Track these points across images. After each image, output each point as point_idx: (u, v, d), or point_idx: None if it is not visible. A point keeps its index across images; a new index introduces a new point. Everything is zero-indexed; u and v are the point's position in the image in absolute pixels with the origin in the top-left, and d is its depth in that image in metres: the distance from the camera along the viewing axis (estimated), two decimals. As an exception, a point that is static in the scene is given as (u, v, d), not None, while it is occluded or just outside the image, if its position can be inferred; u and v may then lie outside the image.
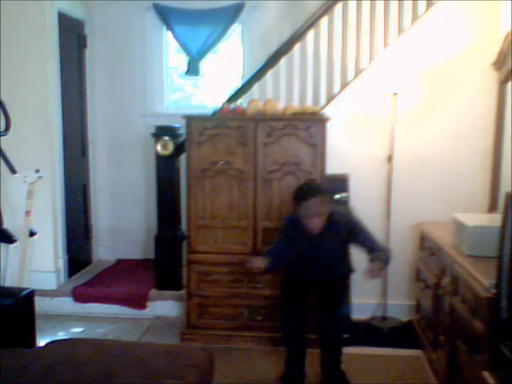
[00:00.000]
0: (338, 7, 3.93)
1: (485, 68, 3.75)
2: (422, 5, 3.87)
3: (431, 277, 3.30)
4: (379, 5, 3.89)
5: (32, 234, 3.42)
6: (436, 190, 3.97)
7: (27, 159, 3.93)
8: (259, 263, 2.92)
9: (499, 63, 3.60)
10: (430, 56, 3.84)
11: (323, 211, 2.84)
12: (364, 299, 4.02)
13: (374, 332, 3.89)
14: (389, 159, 3.89)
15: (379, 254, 2.84)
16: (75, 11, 4.68)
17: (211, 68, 5.04)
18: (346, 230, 2.95)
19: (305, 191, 2.88)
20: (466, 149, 3.90)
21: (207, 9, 4.69)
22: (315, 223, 2.84)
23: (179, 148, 4.05)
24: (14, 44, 4.13)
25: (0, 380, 1.99)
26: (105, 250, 5.18)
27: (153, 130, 4.17)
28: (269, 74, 4.06)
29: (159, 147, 4.10)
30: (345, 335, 3.47)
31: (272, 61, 4.00)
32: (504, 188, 3.08)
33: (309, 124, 3.45)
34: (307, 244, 2.94)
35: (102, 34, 4.94)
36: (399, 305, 4.04)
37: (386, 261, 2.86)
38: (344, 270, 3.14)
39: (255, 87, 4.07)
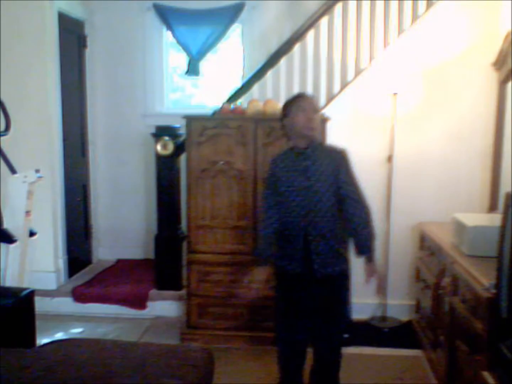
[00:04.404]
0: (338, 7, 3.93)
1: (485, 68, 3.75)
2: (422, 5, 3.87)
3: (431, 277, 3.30)
4: (379, 5, 3.90)
5: (32, 234, 3.41)
6: (436, 190, 3.97)
7: (27, 159, 3.94)
8: (262, 273, 2.69)
9: (499, 63, 3.60)
10: (430, 56, 3.84)
11: (317, 108, 2.67)
12: (364, 299, 4.02)
13: (374, 332, 3.89)
14: (389, 159, 3.89)
15: (359, 242, 2.58)
16: (75, 11, 4.68)
17: (211, 68, 5.04)
18: (335, 161, 2.60)
19: (295, 95, 2.75)
20: (466, 149, 3.90)
21: (207, 9, 4.69)
22: (313, 121, 2.57)
23: (179, 148, 4.05)
24: (14, 44, 4.13)
25: (0, 380, 1.99)
26: (105, 250, 5.18)
27: (153, 130, 4.17)
28: (269, 74, 4.06)
29: (159, 147, 4.10)
30: (345, 335, 3.47)
31: (272, 61, 4.00)
32: (504, 188, 3.08)
33: (309, 124, 3.44)
34: (294, 176, 2.58)
35: (102, 34, 4.95)
36: (399, 305, 4.04)
37: (369, 246, 2.58)
38: (338, 253, 2.65)
39: (255, 87, 4.07)
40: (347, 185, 2.58)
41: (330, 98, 3.96)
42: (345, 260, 2.72)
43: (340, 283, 2.71)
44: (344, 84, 3.97)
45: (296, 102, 2.63)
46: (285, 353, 2.75)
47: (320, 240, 2.58)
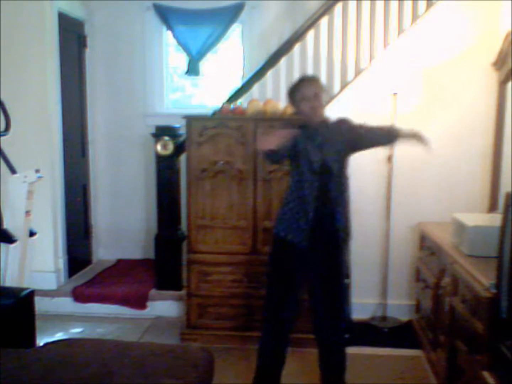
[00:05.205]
0: (338, 7, 3.93)
1: (485, 68, 3.75)
2: (422, 5, 3.87)
3: (431, 277, 3.30)
4: (379, 5, 3.89)
5: (32, 234, 3.41)
6: (436, 190, 3.97)
7: (27, 159, 3.93)
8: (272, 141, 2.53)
9: (499, 63, 3.60)
10: (430, 56, 3.84)
11: (322, 92, 2.70)
12: (364, 299, 4.03)
13: (374, 332, 3.89)
14: (389, 159, 3.89)
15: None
16: (75, 11, 4.68)
17: (211, 68, 5.04)
18: (345, 132, 2.76)
19: (300, 79, 2.81)
20: (466, 149, 3.90)
21: (207, 9, 4.69)
22: (318, 105, 2.66)
23: (179, 148, 4.05)
24: (14, 44, 4.13)
25: (0, 380, 1.99)
26: (105, 250, 5.18)
27: (153, 130, 4.16)
28: (269, 74, 4.06)
29: (159, 147, 4.10)
30: (346, 335, 3.47)
31: (272, 61, 4.00)
32: (504, 188, 3.08)
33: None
34: (307, 149, 2.67)
35: (102, 34, 4.94)
36: (399, 305, 4.04)
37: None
38: (342, 225, 2.75)
39: (255, 87, 4.07)
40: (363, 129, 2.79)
41: (330, 98, 3.95)
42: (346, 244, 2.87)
43: (341, 250, 2.83)
44: (344, 84, 3.97)
45: (298, 89, 2.69)
46: (268, 340, 2.89)
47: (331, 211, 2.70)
